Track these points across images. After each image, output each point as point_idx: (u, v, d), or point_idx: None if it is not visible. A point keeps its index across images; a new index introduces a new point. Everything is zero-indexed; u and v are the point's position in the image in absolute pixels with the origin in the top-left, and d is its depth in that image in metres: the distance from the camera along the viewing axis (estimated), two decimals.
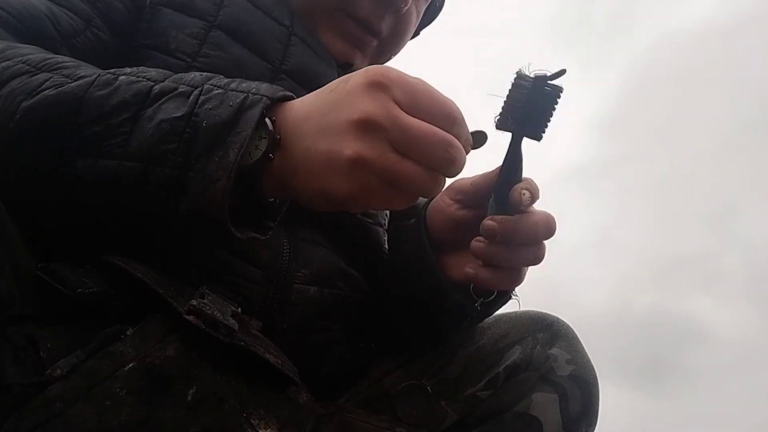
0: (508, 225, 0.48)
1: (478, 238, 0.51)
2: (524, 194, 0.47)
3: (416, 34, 0.80)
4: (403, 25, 0.68)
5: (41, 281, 0.39)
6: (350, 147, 0.37)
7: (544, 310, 0.63)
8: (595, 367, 0.59)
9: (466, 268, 0.52)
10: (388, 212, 0.67)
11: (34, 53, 0.43)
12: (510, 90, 0.45)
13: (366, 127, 0.37)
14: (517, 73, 0.45)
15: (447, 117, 0.38)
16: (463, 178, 0.54)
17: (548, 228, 0.50)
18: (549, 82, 0.44)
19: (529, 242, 0.50)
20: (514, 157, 0.48)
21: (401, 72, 0.39)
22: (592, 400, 0.58)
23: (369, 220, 0.64)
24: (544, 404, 0.56)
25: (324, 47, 0.64)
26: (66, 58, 0.44)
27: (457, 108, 0.40)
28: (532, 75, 0.44)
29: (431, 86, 0.39)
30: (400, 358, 0.62)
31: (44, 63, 0.42)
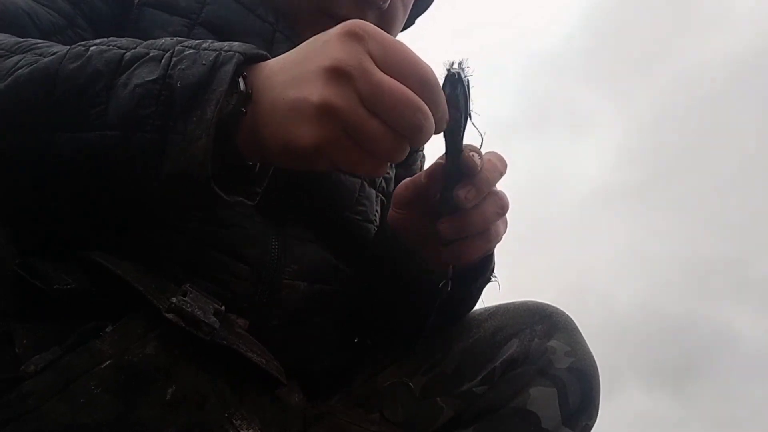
0: (454, 225, 0.49)
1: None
2: (469, 195, 0.47)
3: (411, 23, 0.79)
4: (389, 20, 0.67)
5: (20, 277, 0.39)
6: (318, 93, 0.35)
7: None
8: (595, 358, 0.57)
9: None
10: (378, 209, 0.67)
11: (7, 38, 0.43)
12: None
13: (336, 74, 0.35)
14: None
15: (420, 79, 0.37)
16: (399, 186, 0.54)
17: (500, 208, 0.50)
18: (459, 74, 0.41)
19: (484, 229, 0.50)
20: (455, 158, 0.46)
21: (380, 29, 0.38)
22: (592, 392, 0.56)
23: (358, 218, 0.63)
24: (541, 399, 0.54)
25: None
26: (39, 40, 0.44)
27: (433, 73, 0.38)
28: (444, 76, 0.41)
29: (409, 48, 0.38)
30: (394, 353, 0.60)
31: (18, 46, 0.42)
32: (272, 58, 0.41)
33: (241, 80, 0.38)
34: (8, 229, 0.40)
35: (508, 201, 0.51)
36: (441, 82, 0.41)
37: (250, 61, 0.39)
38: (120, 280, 0.42)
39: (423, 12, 0.80)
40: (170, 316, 0.41)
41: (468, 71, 0.42)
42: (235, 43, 0.40)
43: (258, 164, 0.42)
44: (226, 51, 0.38)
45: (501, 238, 0.52)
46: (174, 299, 0.42)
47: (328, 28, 0.65)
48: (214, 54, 0.38)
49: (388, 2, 0.63)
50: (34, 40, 0.43)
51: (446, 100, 0.40)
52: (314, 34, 0.65)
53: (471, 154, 0.46)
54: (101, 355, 0.38)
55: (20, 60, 0.40)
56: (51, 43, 0.43)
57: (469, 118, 0.43)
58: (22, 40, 0.43)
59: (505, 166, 0.50)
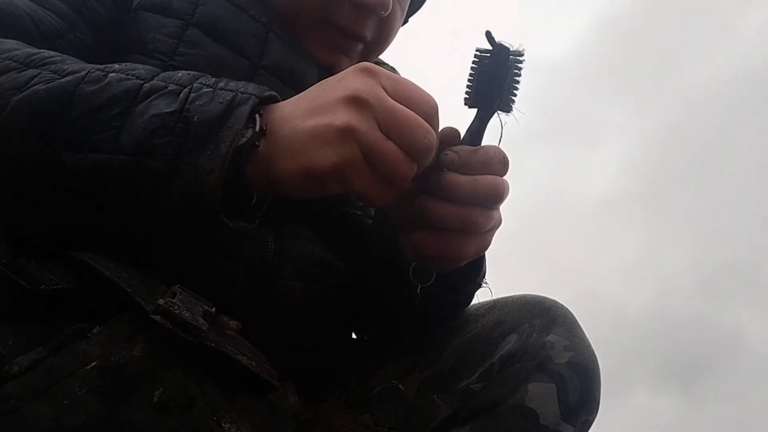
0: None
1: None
2: (457, 157, 0.45)
3: (405, 21, 0.79)
4: (388, 26, 0.67)
5: (6, 276, 0.39)
6: (341, 118, 0.39)
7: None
8: (595, 352, 0.55)
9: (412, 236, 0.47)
10: None
11: (20, 48, 0.44)
12: (474, 65, 0.45)
13: (355, 101, 0.39)
14: (477, 48, 0.45)
15: (425, 107, 0.41)
16: None
17: (498, 168, 0.46)
18: (511, 51, 0.44)
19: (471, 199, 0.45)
20: (479, 129, 0.47)
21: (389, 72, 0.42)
22: (592, 387, 0.54)
23: (358, 213, 0.63)
24: (540, 395, 0.52)
25: (306, 51, 0.64)
26: (51, 53, 0.45)
27: (435, 103, 0.43)
28: (491, 48, 0.44)
29: (413, 82, 0.43)
30: (391, 351, 0.59)
31: (31, 59, 0.43)
32: (270, 65, 0.45)
33: (257, 117, 0.41)
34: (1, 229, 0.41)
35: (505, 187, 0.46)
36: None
37: (263, 103, 0.42)
38: (108, 281, 0.41)
39: (417, 11, 0.80)
40: (157, 317, 0.40)
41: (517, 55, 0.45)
42: (250, 86, 0.42)
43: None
44: (242, 93, 0.41)
45: (489, 229, 0.48)
46: (161, 301, 0.41)
47: (331, 36, 0.66)
48: (231, 94, 0.41)
49: (389, 11, 0.63)
50: (47, 54, 0.44)
51: (493, 61, 0.44)
52: (317, 43, 0.66)
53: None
54: (87, 357, 0.38)
55: (36, 75, 0.41)
56: (63, 57, 0.45)
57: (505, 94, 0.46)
58: (34, 52, 0.44)
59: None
